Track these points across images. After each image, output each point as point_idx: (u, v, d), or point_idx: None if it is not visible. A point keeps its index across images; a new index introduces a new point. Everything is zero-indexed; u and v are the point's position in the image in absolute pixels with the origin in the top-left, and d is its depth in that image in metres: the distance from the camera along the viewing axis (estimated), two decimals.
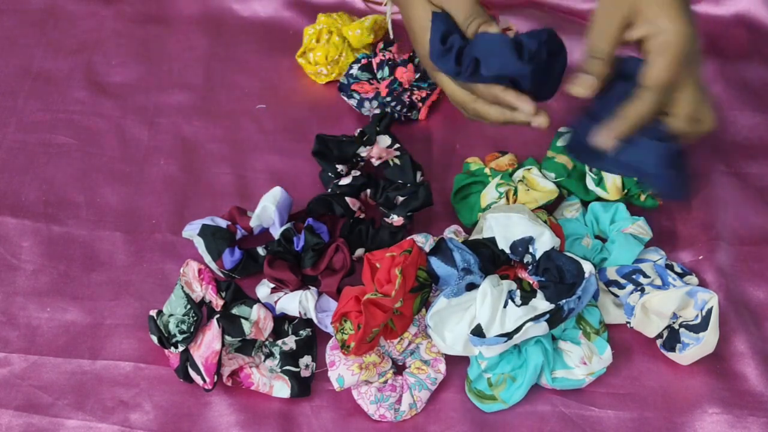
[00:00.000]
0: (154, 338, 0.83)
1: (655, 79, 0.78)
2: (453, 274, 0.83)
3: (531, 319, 0.80)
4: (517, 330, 0.80)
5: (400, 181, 0.93)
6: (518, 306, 0.81)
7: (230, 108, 1.07)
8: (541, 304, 0.81)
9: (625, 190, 0.93)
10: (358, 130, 0.96)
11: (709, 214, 0.96)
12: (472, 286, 0.83)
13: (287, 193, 0.92)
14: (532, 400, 0.83)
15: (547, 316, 0.80)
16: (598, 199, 0.94)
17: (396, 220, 0.92)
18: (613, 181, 0.92)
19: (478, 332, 0.80)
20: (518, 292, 0.82)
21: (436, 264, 0.84)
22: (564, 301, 0.81)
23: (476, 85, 0.82)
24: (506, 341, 0.80)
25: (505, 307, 0.81)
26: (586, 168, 0.94)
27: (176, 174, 1.00)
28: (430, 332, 0.83)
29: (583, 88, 0.80)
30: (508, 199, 0.92)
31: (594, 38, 0.80)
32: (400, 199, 0.92)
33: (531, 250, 0.85)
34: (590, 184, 0.93)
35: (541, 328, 0.80)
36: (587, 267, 0.82)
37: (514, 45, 0.79)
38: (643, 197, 0.94)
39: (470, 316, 0.82)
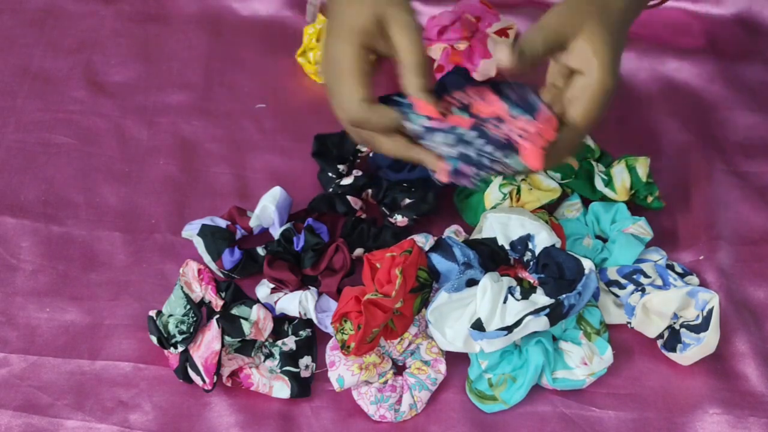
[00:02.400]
0: (154, 339, 0.83)
1: (579, 119, 0.76)
2: (454, 269, 0.83)
3: (531, 313, 0.80)
4: (517, 324, 0.80)
5: (405, 184, 0.93)
6: (518, 300, 0.81)
7: (230, 108, 1.07)
8: (541, 299, 0.81)
9: (633, 191, 0.93)
10: None
11: (710, 214, 0.96)
12: (472, 283, 0.83)
13: (287, 193, 0.92)
14: (532, 400, 0.83)
15: (548, 310, 0.80)
16: (601, 198, 0.94)
17: (400, 221, 0.92)
18: (622, 183, 0.92)
19: (478, 326, 0.80)
20: (518, 288, 0.82)
21: (437, 260, 0.84)
22: (564, 296, 0.81)
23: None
24: (506, 335, 0.80)
25: (505, 302, 0.81)
26: (595, 168, 0.93)
27: (176, 174, 1.00)
28: (430, 327, 0.83)
29: (505, 56, 0.75)
30: (511, 198, 0.92)
31: (531, 37, 0.77)
32: (407, 201, 0.92)
33: (530, 246, 0.85)
34: (599, 184, 0.93)
35: (542, 322, 0.80)
36: (587, 264, 0.82)
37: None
38: (650, 199, 0.94)
39: (470, 313, 0.81)
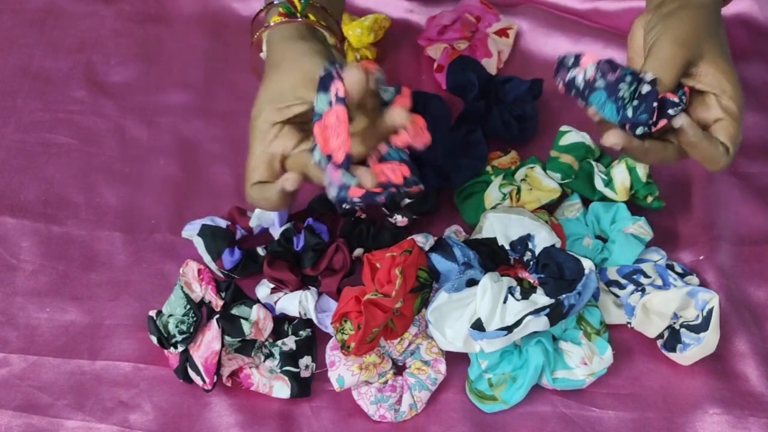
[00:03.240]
0: (154, 339, 0.83)
1: (733, 139, 0.77)
2: (454, 269, 0.83)
3: (531, 313, 0.80)
4: (517, 324, 0.80)
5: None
6: (518, 300, 0.81)
7: (230, 108, 1.07)
8: (541, 299, 0.81)
9: (633, 191, 0.93)
10: None
11: (710, 214, 0.96)
12: (472, 283, 0.83)
13: None
14: (532, 400, 0.83)
15: (548, 310, 0.80)
16: (601, 198, 0.94)
17: (400, 220, 0.92)
18: (621, 182, 0.92)
19: (478, 326, 0.80)
20: (518, 288, 0.82)
21: (437, 260, 0.84)
22: (564, 296, 0.81)
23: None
24: (506, 335, 0.80)
25: (505, 302, 0.81)
26: (594, 168, 0.93)
27: (176, 174, 1.00)
28: (430, 327, 0.83)
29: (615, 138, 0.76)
30: (511, 198, 0.92)
31: (654, 67, 0.76)
32: (407, 201, 0.92)
33: (530, 246, 0.85)
34: (599, 184, 0.93)
35: (542, 322, 0.80)
36: (587, 264, 0.82)
37: None
38: (650, 199, 0.93)
39: (471, 313, 0.82)
